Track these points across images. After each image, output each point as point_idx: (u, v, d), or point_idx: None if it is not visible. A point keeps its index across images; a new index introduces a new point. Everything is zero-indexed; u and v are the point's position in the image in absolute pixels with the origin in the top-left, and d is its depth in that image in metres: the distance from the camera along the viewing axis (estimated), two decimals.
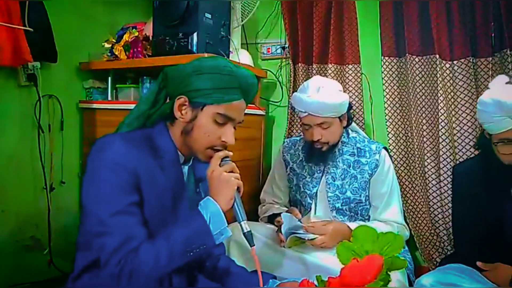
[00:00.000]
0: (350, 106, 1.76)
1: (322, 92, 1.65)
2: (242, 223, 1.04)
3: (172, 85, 1.11)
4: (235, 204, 1.06)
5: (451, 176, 1.96)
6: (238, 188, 1.07)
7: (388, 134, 2.14)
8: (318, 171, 1.81)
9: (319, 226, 1.63)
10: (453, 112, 2.00)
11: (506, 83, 1.34)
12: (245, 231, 1.03)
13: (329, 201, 1.78)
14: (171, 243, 0.97)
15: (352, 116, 1.86)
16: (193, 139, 1.09)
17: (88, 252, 1.04)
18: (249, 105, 2.26)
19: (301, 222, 1.68)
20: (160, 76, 1.15)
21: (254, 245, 1.03)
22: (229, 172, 1.07)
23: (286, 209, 1.90)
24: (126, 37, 2.00)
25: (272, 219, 1.82)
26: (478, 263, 1.42)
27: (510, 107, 1.28)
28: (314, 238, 1.59)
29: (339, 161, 1.79)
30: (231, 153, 1.11)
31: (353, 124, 1.89)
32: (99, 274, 1.00)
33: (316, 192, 1.81)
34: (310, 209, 1.81)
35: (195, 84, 1.07)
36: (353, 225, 1.67)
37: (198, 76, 1.07)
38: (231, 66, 1.11)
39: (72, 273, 1.10)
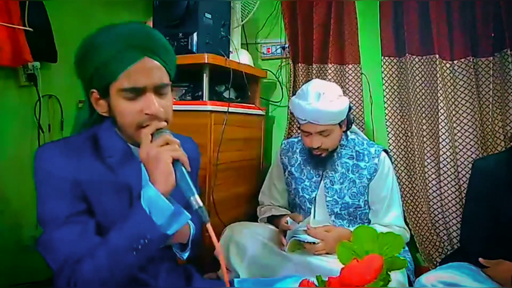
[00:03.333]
0: (349, 109, 1.72)
1: (323, 100, 1.60)
2: (192, 198, 0.85)
3: (84, 85, 1.00)
4: (177, 178, 0.87)
5: (454, 175, 1.97)
6: (178, 161, 0.89)
7: (388, 134, 2.14)
8: (317, 175, 1.80)
9: (321, 232, 1.60)
10: (453, 112, 2.00)
11: None
12: (196, 206, 0.84)
13: (327, 205, 1.76)
14: (110, 248, 0.86)
15: (353, 118, 1.82)
16: (121, 125, 0.96)
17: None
18: (249, 105, 2.27)
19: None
20: None
21: (208, 221, 0.85)
22: (163, 146, 0.89)
23: (285, 210, 1.90)
24: None
25: (271, 220, 1.81)
26: (481, 260, 1.42)
27: None
28: (315, 242, 1.58)
29: (337, 164, 1.77)
30: (163, 124, 0.94)
31: (352, 125, 1.87)
32: None
33: (315, 197, 1.79)
34: (310, 213, 1.80)
35: (88, 68, 0.94)
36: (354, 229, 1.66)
37: (86, 58, 0.94)
38: (112, 30, 0.93)
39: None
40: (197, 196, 0.86)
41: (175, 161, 0.89)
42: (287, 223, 1.66)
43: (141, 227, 0.86)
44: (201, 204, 0.85)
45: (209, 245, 1.14)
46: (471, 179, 1.63)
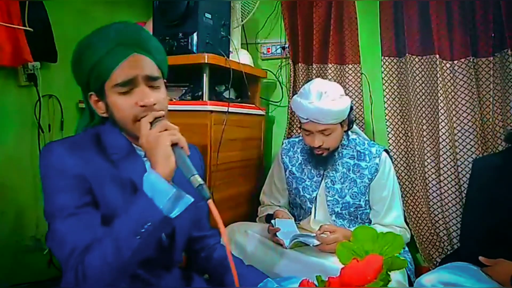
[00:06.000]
0: (351, 109, 1.72)
1: (325, 99, 1.60)
2: (192, 178, 0.88)
3: (82, 89, 1.04)
4: (178, 160, 0.90)
5: (454, 175, 1.97)
6: (177, 145, 0.92)
7: (388, 134, 2.14)
8: (318, 175, 1.80)
9: (329, 225, 1.62)
10: (453, 112, 2.00)
11: None
12: (197, 184, 0.87)
13: (328, 205, 1.77)
14: (116, 233, 0.88)
15: (354, 118, 1.83)
16: (119, 120, 1.00)
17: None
18: (249, 105, 2.27)
19: (299, 225, 1.68)
20: None
21: (209, 198, 0.88)
22: (161, 131, 0.92)
23: (285, 211, 1.90)
24: None
25: (269, 219, 1.82)
26: (481, 258, 1.42)
27: None
28: (319, 245, 1.57)
29: (338, 164, 1.77)
30: (160, 113, 0.96)
31: (353, 125, 1.87)
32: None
33: (316, 196, 1.79)
34: (310, 213, 1.80)
35: (82, 72, 0.98)
36: None
37: (80, 63, 0.99)
38: (100, 32, 0.98)
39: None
40: (197, 175, 0.88)
41: (174, 145, 0.92)
42: (273, 225, 1.66)
43: (143, 212, 0.88)
44: (201, 181, 0.88)
45: None
46: (471, 178, 1.63)
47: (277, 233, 1.62)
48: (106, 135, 1.03)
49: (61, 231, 0.92)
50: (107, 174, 0.99)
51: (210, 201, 0.87)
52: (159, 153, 0.90)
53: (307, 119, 1.66)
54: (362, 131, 2.08)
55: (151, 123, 0.94)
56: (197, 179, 0.88)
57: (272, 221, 1.69)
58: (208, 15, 1.88)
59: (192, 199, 0.92)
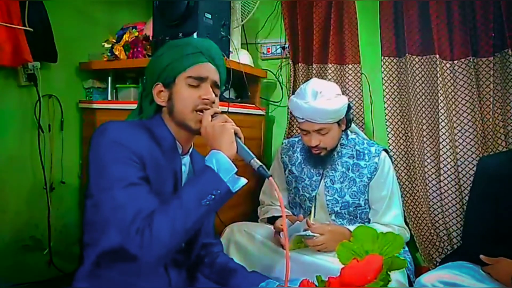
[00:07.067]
0: (349, 108, 1.73)
1: (320, 98, 1.62)
2: (252, 161, 1.06)
3: (149, 82, 1.16)
4: (238, 146, 1.07)
5: (454, 175, 1.97)
6: (236, 134, 1.09)
7: (388, 134, 2.14)
8: (317, 174, 1.80)
9: (320, 226, 1.62)
10: (453, 112, 2.00)
11: None
12: (257, 166, 1.05)
13: (327, 204, 1.77)
14: (184, 200, 0.97)
15: (352, 117, 1.83)
16: (178, 109, 1.12)
17: (95, 245, 1.06)
18: (249, 105, 2.27)
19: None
20: (140, 85, 1.19)
21: (271, 175, 1.05)
22: (224, 122, 1.09)
23: (287, 211, 1.89)
24: (126, 37, 2.00)
25: (272, 220, 1.81)
26: (482, 257, 1.42)
27: None
28: (314, 236, 1.58)
29: (338, 163, 1.77)
30: (218, 109, 1.13)
31: (353, 125, 1.87)
32: (118, 259, 1.02)
33: (315, 196, 1.79)
34: (310, 212, 1.80)
35: (160, 65, 1.13)
36: (353, 227, 1.67)
37: (160, 58, 1.14)
38: (187, 39, 1.20)
39: (81, 271, 1.09)
40: (256, 159, 1.06)
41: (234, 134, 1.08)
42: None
43: (211, 183, 0.99)
44: (260, 163, 1.05)
45: None
46: (476, 177, 1.62)
47: (281, 233, 1.62)
48: (156, 127, 1.14)
49: (123, 198, 0.98)
50: (158, 160, 1.08)
51: (271, 179, 1.04)
52: (225, 139, 1.05)
53: (303, 118, 1.67)
54: (362, 131, 2.09)
55: (212, 116, 1.09)
56: (257, 162, 1.05)
57: (287, 220, 1.69)
58: (208, 15, 1.88)
59: (246, 181, 1.05)
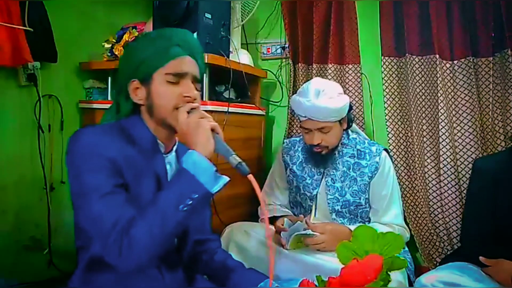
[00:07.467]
0: (350, 108, 1.73)
1: (322, 97, 1.62)
2: (230, 157, 1.00)
3: (124, 77, 1.11)
4: (216, 144, 1.01)
5: (454, 175, 1.97)
6: (214, 131, 1.02)
7: (388, 134, 2.14)
8: (318, 173, 1.81)
9: (320, 225, 1.62)
10: (453, 112, 2.00)
11: None
12: (236, 163, 0.99)
13: (328, 203, 1.77)
14: (160, 206, 0.93)
15: (353, 117, 1.84)
16: (157, 108, 1.07)
17: (86, 249, 1.04)
18: (249, 105, 2.27)
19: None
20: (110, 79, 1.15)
21: (249, 173, 0.98)
22: (201, 118, 1.02)
23: (287, 211, 1.90)
24: (126, 37, 2.00)
25: (273, 220, 1.81)
26: (481, 258, 1.42)
27: None
28: (314, 235, 1.58)
29: (339, 163, 1.78)
30: (196, 104, 1.06)
31: (354, 125, 1.87)
32: (103, 267, 0.98)
33: (316, 195, 1.79)
34: (311, 211, 1.80)
35: (135, 59, 1.07)
36: (353, 227, 1.67)
37: (135, 51, 1.09)
38: (163, 30, 1.12)
39: (76, 274, 1.08)
40: (235, 155, 1.00)
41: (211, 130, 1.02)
42: (283, 224, 1.66)
43: (188, 186, 0.95)
44: (240, 160, 1.00)
45: None
46: (472, 178, 1.63)
47: (282, 233, 1.62)
48: (133, 127, 1.09)
49: (99, 208, 0.94)
50: (136, 162, 1.03)
51: (250, 176, 0.98)
52: (200, 136, 0.99)
53: (305, 116, 1.67)
54: (362, 131, 2.08)
55: (188, 112, 1.03)
56: (236, 158, 1.00)
57: (285, 219, 1.69)
58: (208, 15, 1.88)
59: (229, 179, 1.00)
